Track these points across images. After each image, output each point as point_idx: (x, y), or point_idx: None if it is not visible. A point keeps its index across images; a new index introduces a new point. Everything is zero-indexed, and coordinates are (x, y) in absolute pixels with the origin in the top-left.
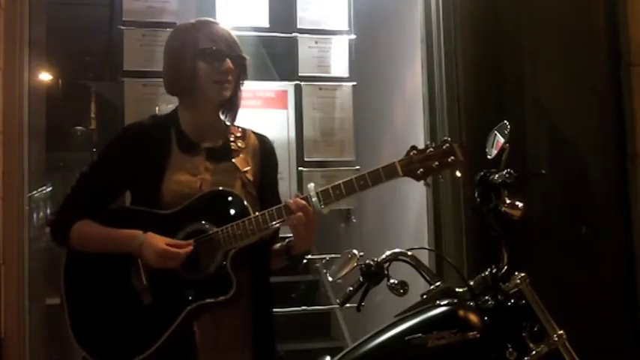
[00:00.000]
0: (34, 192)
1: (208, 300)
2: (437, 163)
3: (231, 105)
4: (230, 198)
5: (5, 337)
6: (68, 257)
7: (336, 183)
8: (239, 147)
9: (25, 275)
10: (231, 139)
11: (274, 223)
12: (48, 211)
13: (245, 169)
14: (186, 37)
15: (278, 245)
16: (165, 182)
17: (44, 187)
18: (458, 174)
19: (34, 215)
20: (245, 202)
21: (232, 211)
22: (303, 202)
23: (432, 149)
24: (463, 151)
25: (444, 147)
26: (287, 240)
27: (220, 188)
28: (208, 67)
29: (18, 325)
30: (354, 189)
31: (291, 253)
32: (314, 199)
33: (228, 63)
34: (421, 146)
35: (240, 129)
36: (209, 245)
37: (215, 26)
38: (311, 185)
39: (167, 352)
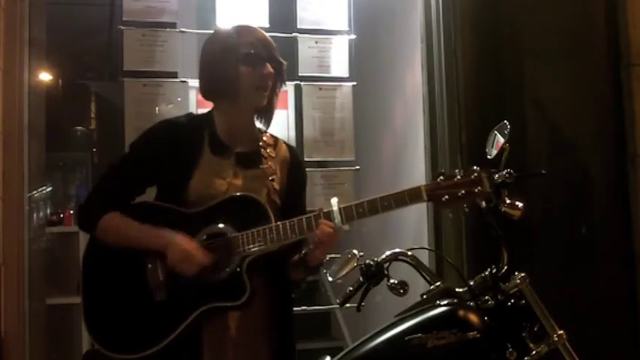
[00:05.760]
0: (34, 192)
1: (220, 303)
2: (463, 191)
3: (268, 110)
4: (254, 204)
5: (5, 337)
6: (88, 248)
7: (360, 201)
8: (269, 154)
9: (25, 275)
10: (263, 145)
11: (294, 236)
12: (48, 211)
13: (272, 177)
14: (227, 42)
15: (296, 257)
16: (192, 181)
17: (44, 187)
18: (483, 204)
19: (34, 215)
20: (268, 210)
21: (254, 218)
22: (329, 229)
23: (459, 177)
24: (490, 182)
25: (473, 176)
26: (303, 252)
27: (246, 193)
28: (250, 72)
29: (18, 325)
30: (377, 209)
31: (308, 264)
32: (337, 219)
33: (269, 67)
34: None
35: (272, 137)
36: (227, 248)
37: (255, 31)
38: (334, 200)
39: (178, 351)
